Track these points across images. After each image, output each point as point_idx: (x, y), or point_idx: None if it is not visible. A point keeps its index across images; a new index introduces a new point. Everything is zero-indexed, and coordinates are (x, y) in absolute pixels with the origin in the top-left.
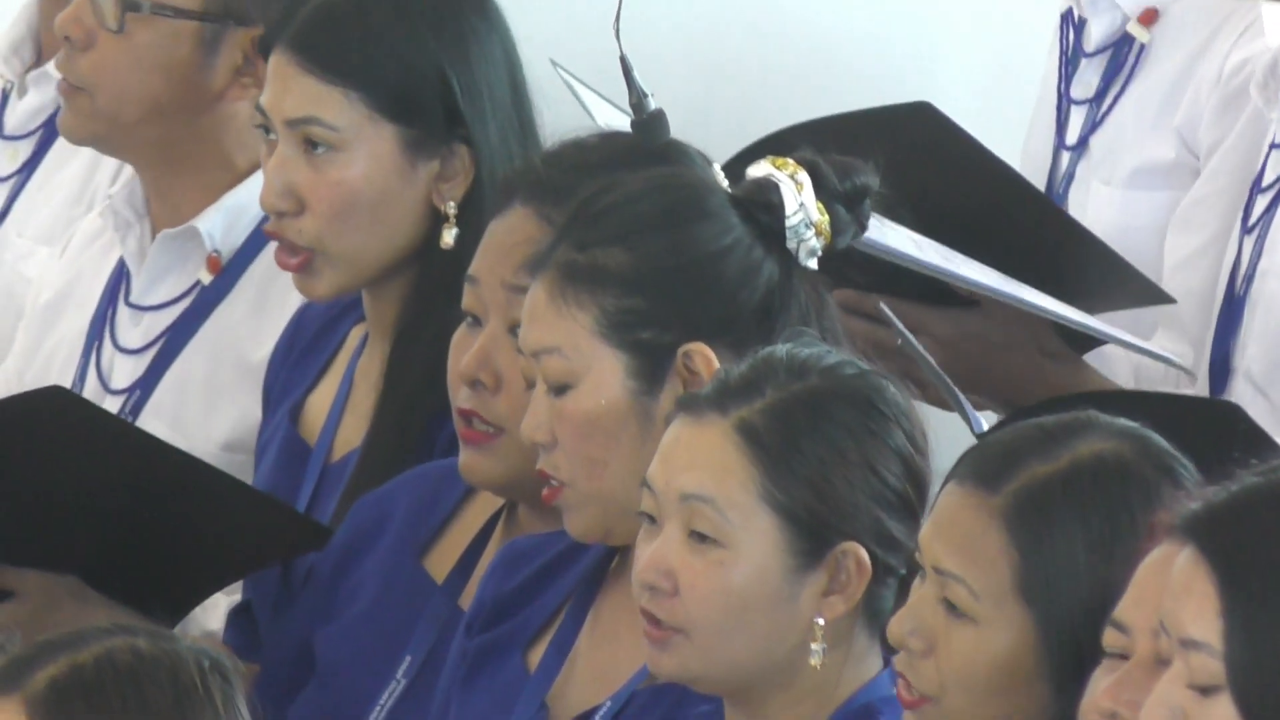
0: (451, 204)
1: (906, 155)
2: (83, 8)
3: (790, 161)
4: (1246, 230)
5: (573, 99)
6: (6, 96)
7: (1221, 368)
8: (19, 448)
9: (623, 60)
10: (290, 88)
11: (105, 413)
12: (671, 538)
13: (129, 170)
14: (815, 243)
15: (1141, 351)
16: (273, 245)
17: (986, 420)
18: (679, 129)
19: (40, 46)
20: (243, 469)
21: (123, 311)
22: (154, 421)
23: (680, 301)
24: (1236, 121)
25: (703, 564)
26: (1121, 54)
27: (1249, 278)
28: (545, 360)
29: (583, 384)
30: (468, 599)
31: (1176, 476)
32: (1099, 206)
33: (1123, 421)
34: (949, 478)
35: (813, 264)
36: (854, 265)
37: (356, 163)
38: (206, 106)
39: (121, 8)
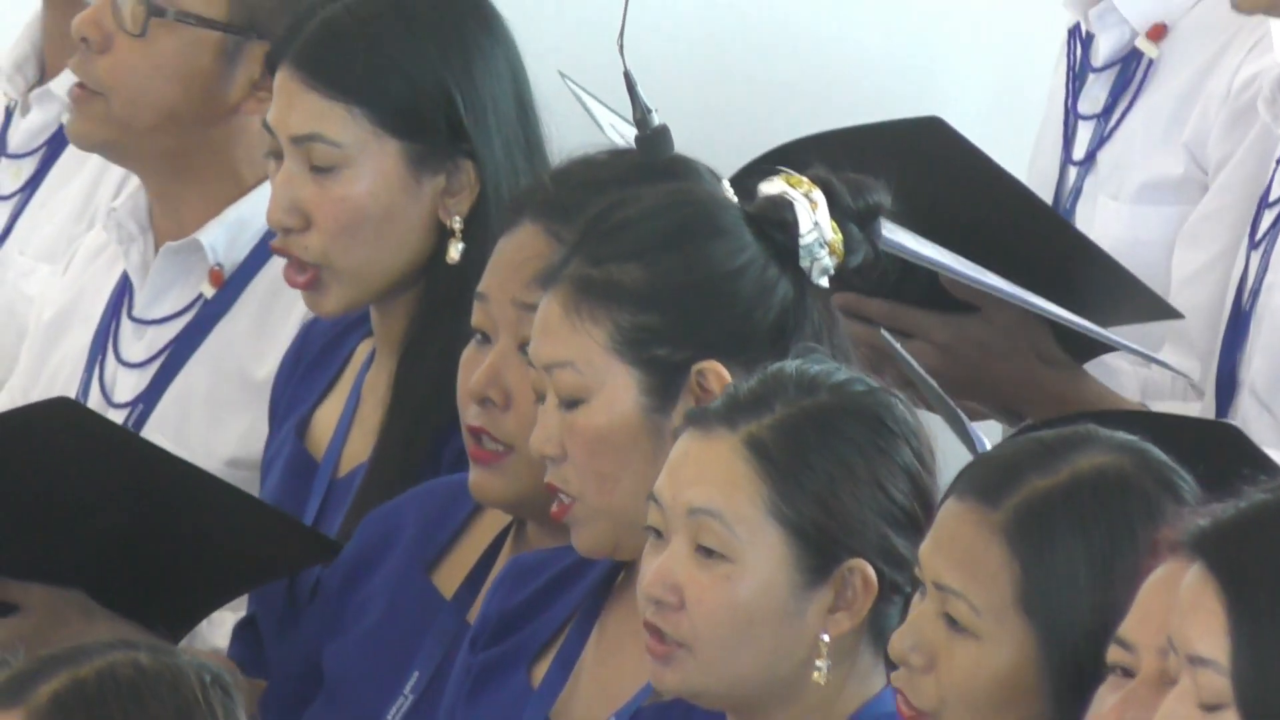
0: (457, 219)
1: (915, 169)
2: (102, 10)
3: (804, 180)
4: (1253, 245)
5: (580, 112)
6: (10, 114)
7: (1228, 382)
8: (25, 459)
9: (626, 76)
10: (294, 104)
11: (112, 424)
12: (678, 552)
13: (133, 184)
14: (828, 262)
15: (1146, 358)
16: (275, 259)
17: (986, 433)
18: (685, 144)
19: (44, 65)
20: (247, 485)
21: (126, 325)
22: (157, 436)
23: (695, 319)
24: (1245, 137)
25: (709, 578)
26: (1130, 69)
27: (1255, 292)
28: (558, 374)
29: (595, 399)
30: (476, 614)
31: (1176, 490)
32: (1106, 221)
33: (1122, 435)
34: (948, 493)
35: (824, 282)
36: (854, 269)
37: (361, 179)
38: (221, 118)
39: (146, 12)
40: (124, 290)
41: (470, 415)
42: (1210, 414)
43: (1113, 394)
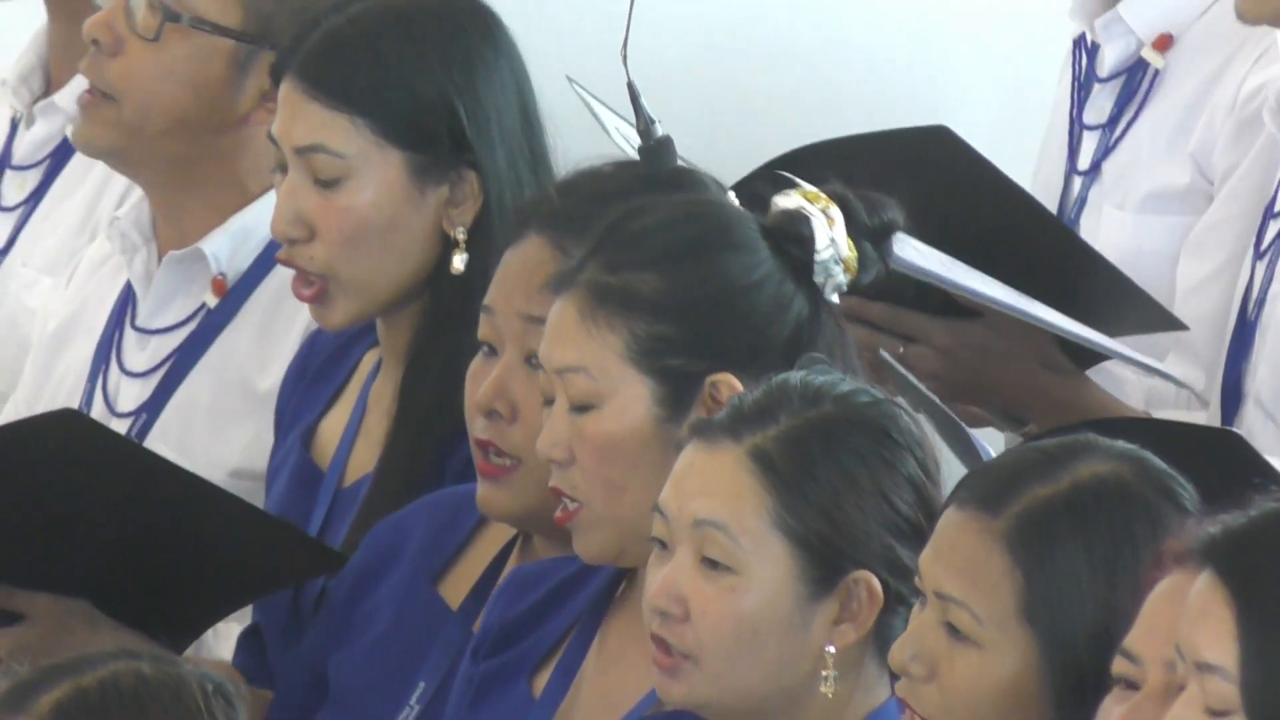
0: (461, 229)
1: (922, 178)
2: (114, 13)
3: (822, 195)
4: (1259, 256)
5: (587, 122)
6: (15, 126)
7: (1233, 392)
8: (31, 470)
9: (630, 87)
10: (298, 116)
11: (117, 435)
12: (683, 563)
13: (135, 194)
14: (842, 279)
15: (1149, 370)
16: (279, 269)
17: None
18: (690, 154)
19: (49, 77)
20: (251, 495)
21: (129, 335)
22: (160, 446)
23: (712, 331)
24: (1250, 147)
25: (714, 590)
26: (1136, 79)
27: (1260, 302)
28: (570, 379)
29: (607, 406)
30: None
31: (1176, 498)
32: (1111, 231)
33: (1121, 444)
34: (948, 502)
35: (835, 299)
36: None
37: (365, 189)
38: (230, 127)
39: (160, 17)
40: (127, 300)
41: (477, 428)
42: (1215, 424)
43: (1115, 400)
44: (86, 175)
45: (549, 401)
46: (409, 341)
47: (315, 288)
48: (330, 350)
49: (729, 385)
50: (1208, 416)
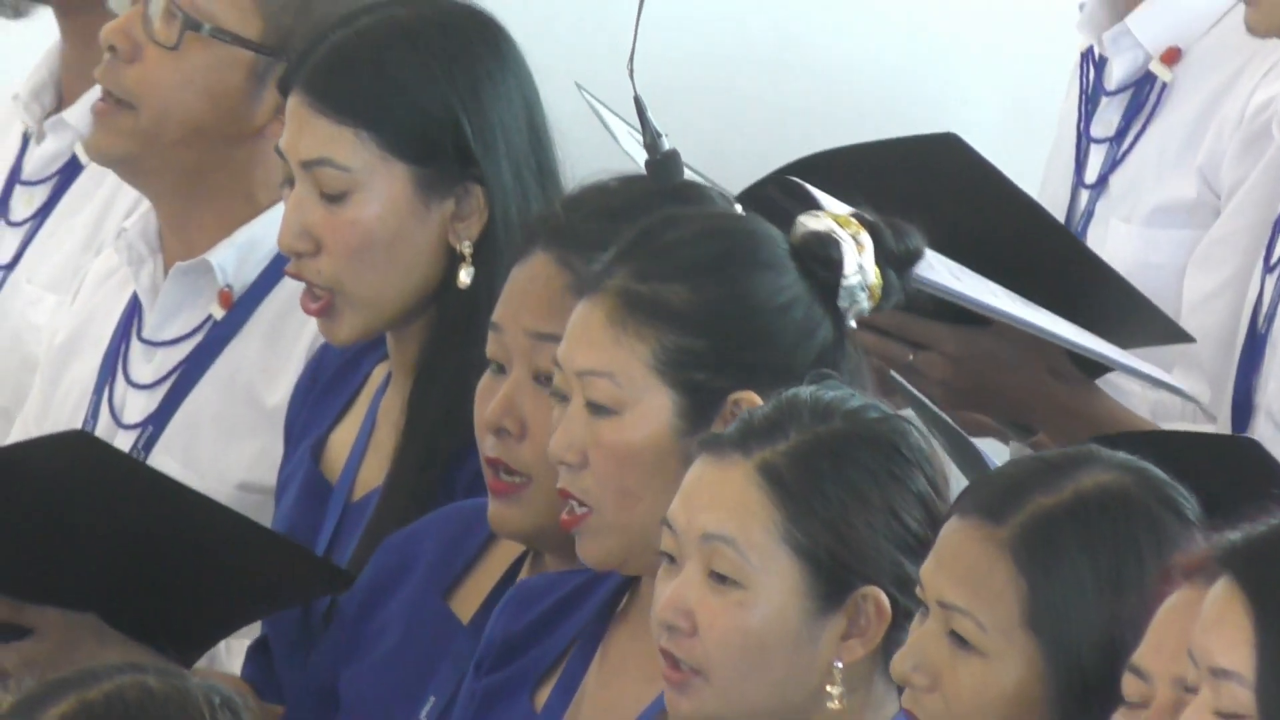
0: (467, 243)
1: (930, 185)
2: (132, 20)
3: (853, 220)
4: (1269, 269)
5: (596, 133)
6: (27, 142)
7: (1244, 406)
8: (40, 488)
9: (636, 100)
10: (304, 129)
11: (126, 456)
12: (691, 578)
13: (143, 206)
14: (866, 306)
15: (1156, 383)
16: (285, 282)
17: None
18: (697, 164)
19: (61, 93)
20: (259, 509)
21: (135, 347)
22: (166, 458)
23: (740, 349)
24: (1258, 161)
25: (722, 604)
26: (1143, 93)
27: (1270, 316)
28: (592, 382)
29: (627, 413)
30: None
31: (1178, 508)
32: (1118, 244)
33: (1123, 455)
34: (950, 512)
35: (853, 324)
36: None
37: (370, 203)
38: (245, 139)
39: (181, 25)
40: (133, 312)
41: (487, 446)
42: None
43: (1123, 409)
44: (93, 192)
45: (562, 398)
46: (417, 355)
47: (322, 302)
48: (340, 362)
49: (751, 404)
50: (1217, 430)
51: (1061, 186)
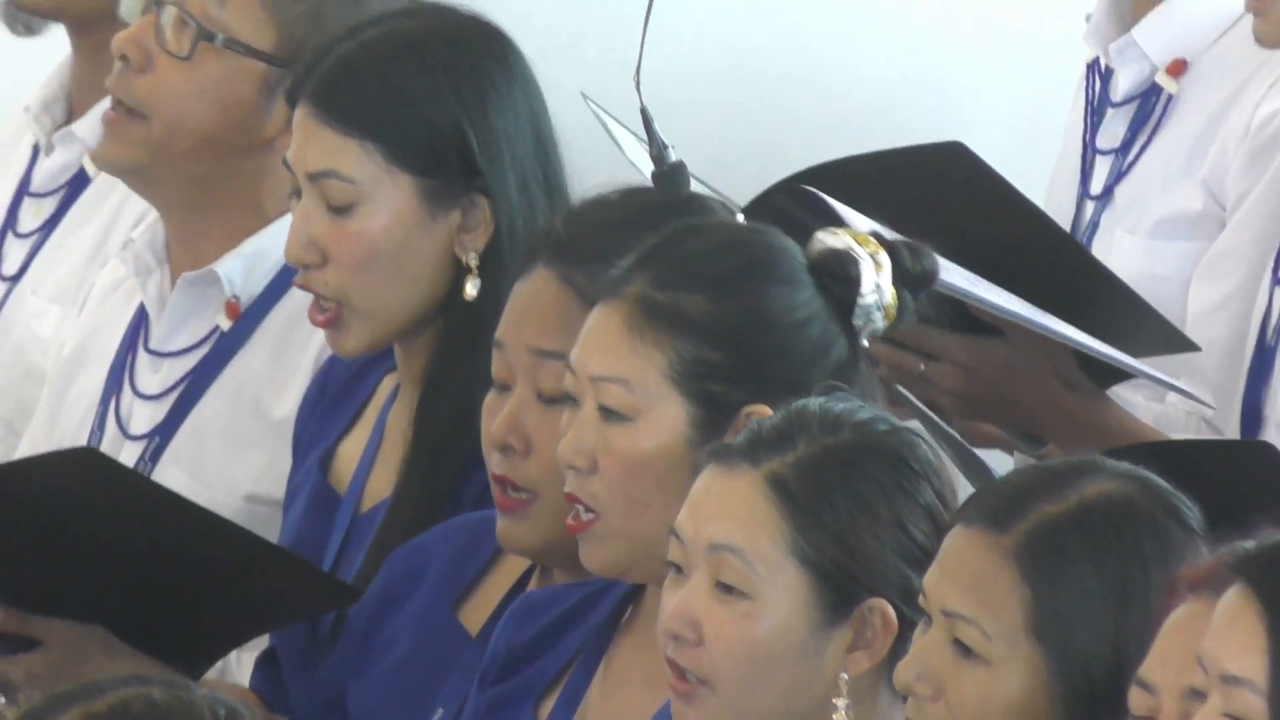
0: (473, 255)
1: (936, 194)
2: (144, 30)
3: (871, 239)
4: (1276, 281)
5: (603, 144)
6: (37, 153)
7: (1253, 418)
8: (49, 504)
9: (643, 112)
10: (310, 141)
11: (134, 473)
12: (698, 588)
13: (150, 217)
14: (880, 325)
15: (1170, 387)
16: (292, 293)
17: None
18: (704, 175)
19: (71, 106)
20: (266, 521)
21: (142, 357)
22: (173, 469)
23: (756, 362)
24: (1264, 174)
25: (728, 615)
26: (1149, 104)
27: (1279, 329)
28: (606, 387)
29: (640, 420)
30: None
31: (1181, 516)
32: (1122, 256)
33: (1125, 464)
34: (953, 522)
35: (865, 343)
36: None
37: (377, 215)
38: (255, 150)
39: (195, 35)
40: (140, 323)
41: (494, 464)
42: None
43: (1133, 419)
44: (100, 205)
45: (573, 402)
46: (424, 367)
47: (329, 313)
48: (348, 374)
49: (763, 417)
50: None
51: (1067, 197)
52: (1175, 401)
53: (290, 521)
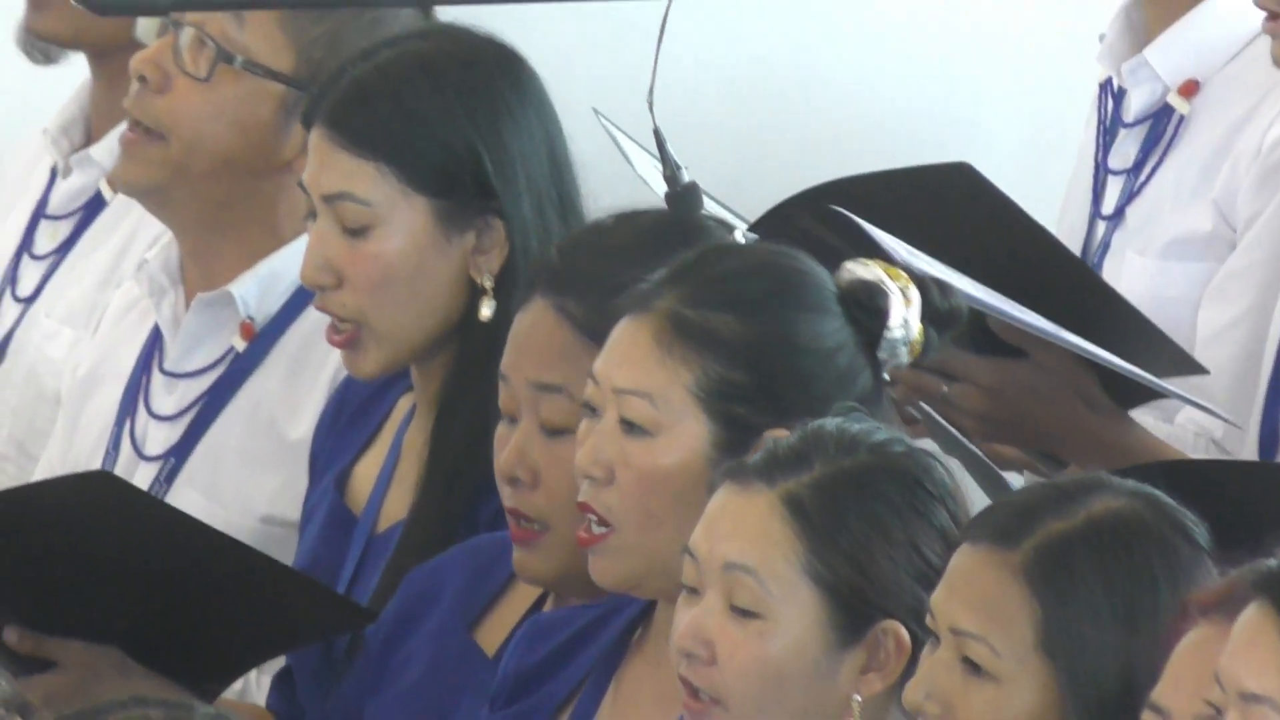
0: (488, 276)
1: (943, 214)
2: (162, 51)
3: (902, 274)
4: None
5: (617, 165)
6: (54, 176)
7: (1271, 439)
8: (64, 526)
9: (656, 133)
10: (325, 163)
11: (149, 496)
12: (712, 606)
13: (165, 237)
14: (904, 360)
15: (1197, 405)
16: (307, 314)
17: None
18: (716, 195)
19: (90, 129)
20: (281, 543)
21: (157, 379)
22: (189, 490)
23: (783, 387)
24: (1275, 195)
25: (742, 634)
26: (1161, 125)
27: None
28: (629, 400)
29: (662, 436)
30: None
31: (1188, 532)
32: (1133, 277)
33: (1131, 481)
34: (960, 540)
35: (886, 376)
36: None
37: (392, 237)
38: (273, 172)
39: (214, 57)
40: (155, 344)
41: (505, 496)
42: None
43: (1157, 441)
44: (115, 229)
45: (593, 412)
46: (440, 388)
47: (346, 334)
48: (365, 394)
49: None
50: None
51: (1079, 217)
52: (1183, 422)
53: (306, 541)
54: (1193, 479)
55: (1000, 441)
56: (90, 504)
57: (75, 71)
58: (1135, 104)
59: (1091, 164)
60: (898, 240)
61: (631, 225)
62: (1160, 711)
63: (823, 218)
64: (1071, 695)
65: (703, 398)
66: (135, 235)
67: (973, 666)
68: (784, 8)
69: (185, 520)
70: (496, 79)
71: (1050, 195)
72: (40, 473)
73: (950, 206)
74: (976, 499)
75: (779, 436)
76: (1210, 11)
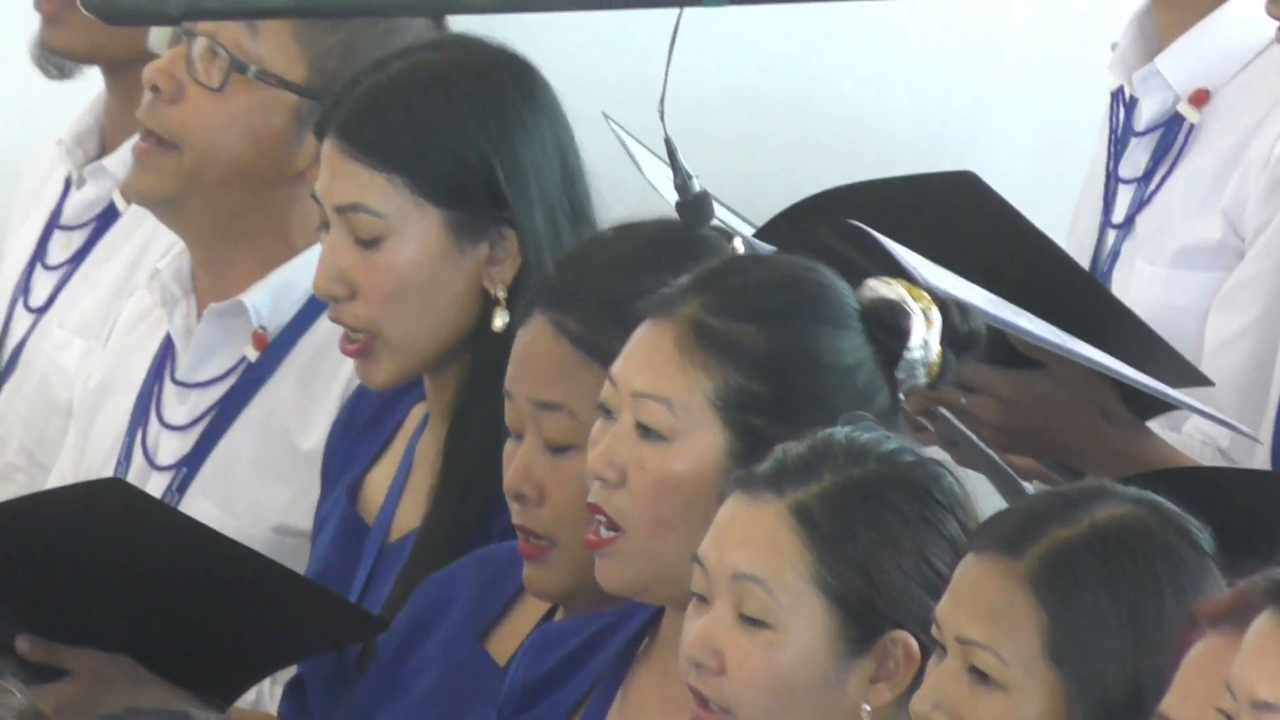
0: (501, 287)
1: (946, 223)
2: (175, 61)
3: (926, 295)
4: None
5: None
6: (69, 186)
7: None
8: (76, 533)
9: (667, 142)
10: (338, 175)
11: (161, 504)
12: (721, 616)
13: (177, 247)
14: (922, 381)
15: (1210, 417)
16: (319, 324)
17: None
18: (727, 202)
19: (104, 140)
20: (294, 553)
21: (169, 388)
22: (201, 500)
23: (802, 401)
24: None
25: (751, 644)
26: (1171, 134)
27: None
28: (647, 404)
29: (677, 442)
30: None
31: (1193, 539)
32: (1142, 285)
33: (1134, 489)
34: (965, 550)
35: (902, 396)
36: None
37: (404, 248)
38: (286, 182)
39: (228, 67)
40: (166, 353)
41: (514, 513)
42: None
43: (1174, 451)
44: (128, 240)
45: (608, 414)
46: (453, 398)
47: (359, 344)
48: (378, 403)
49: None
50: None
51: (1091, 226)
52: (1190, 431)
53: (318, 550)
54: (1202, 487)
55: (1018, 453)
56: (102, 511)
57: (89, 85)
58: (1146, 113)
59: (1103, 173)
60: (920, 258)
61: (630, 238)
62: None
63: (844, 232)
64: (1079, 703)
65: (721, 407)
66: (148, 246)
67: (980, 676)
68: (794, 18)
69: (197, 527)
70: (509, 89)
71: (1059, 204)
72: (52, 483)
73: (954, 215)
74: (987, 508)
75: (789, 447)
76: (1222, 21)
